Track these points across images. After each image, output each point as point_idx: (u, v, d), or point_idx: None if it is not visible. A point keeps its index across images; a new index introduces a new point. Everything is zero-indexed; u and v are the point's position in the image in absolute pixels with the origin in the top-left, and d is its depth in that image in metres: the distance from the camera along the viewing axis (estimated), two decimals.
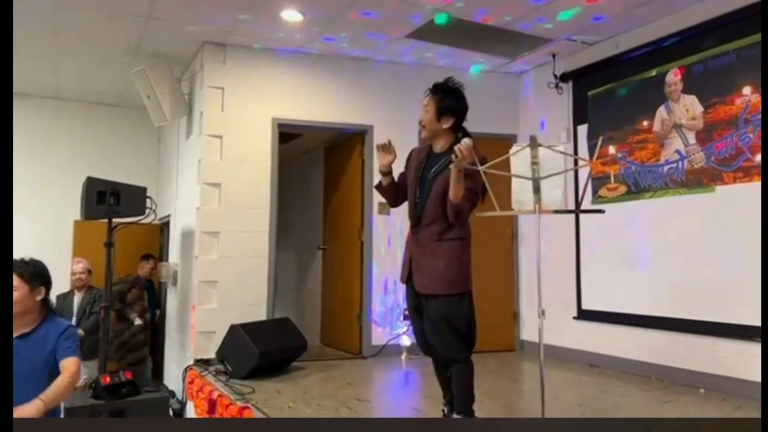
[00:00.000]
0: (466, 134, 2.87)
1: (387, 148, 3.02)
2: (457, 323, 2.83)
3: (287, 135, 6.28)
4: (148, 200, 5.08)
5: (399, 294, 5.61)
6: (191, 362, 4.94)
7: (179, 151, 6.22)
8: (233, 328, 4.49)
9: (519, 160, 2.25)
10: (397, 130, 5.42)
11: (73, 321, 5.22)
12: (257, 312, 5.10)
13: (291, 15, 4.62)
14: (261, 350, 4.33)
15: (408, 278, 2.96)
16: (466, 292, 2.87)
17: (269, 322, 4.91)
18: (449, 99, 2.89)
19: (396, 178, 3.16)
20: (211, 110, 5.19)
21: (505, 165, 2.45)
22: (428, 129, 2.93)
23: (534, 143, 2.18)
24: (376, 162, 5.48)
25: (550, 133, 5.57)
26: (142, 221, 5.12)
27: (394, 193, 3.12)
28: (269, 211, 5.25)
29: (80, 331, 4.76)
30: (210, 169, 5.14)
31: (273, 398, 3.85)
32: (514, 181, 2.34)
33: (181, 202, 5.97)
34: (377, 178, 5.51)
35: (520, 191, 2.32)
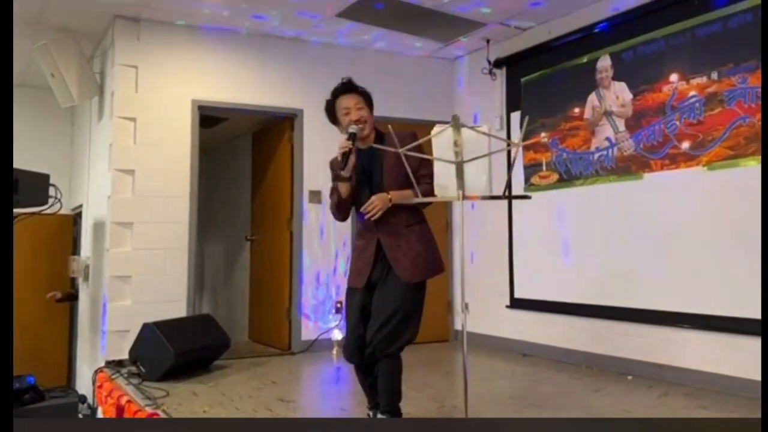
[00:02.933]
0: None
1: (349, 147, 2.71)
2: (417, 311, 2.78)
3: (212, 119, 5.92)
4: (51, 188, 4.62)
5: (331, 287, 5.39)
6: (102, 364, 4.56)
7: (91, 136, 5.74)
8: (146, 327, 4.14)
9: (441, 142, 2.06)
10: None
11: None
12: (177, 308, 4.76)
13: None
14: (177, 350, 4.01)
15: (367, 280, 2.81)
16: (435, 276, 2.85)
17: (188, 319, 4.58)
18: (369, 96, 2.91)
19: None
20: (123, 90, 4.77)
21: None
22: (370, 124, 2.84)
23: (456, 124, 2.00)
24: (308, 149, 5.35)
25: (484, 120, 5.47)
26: (45, 212, 4.66)
27: (350, 203, 2.87)
28: (189, 200, 4.89)
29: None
30: (122, 155, 4.73)
31: (188, 402, 3.56)
32: (436, 164, 2.15)
33: (93, 191, 5.51)
34: (308, 165, 5.39)
35: (443, 176, 2.15)
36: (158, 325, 4.13)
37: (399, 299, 2.70)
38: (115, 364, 4.51)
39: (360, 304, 2.81)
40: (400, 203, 2.68)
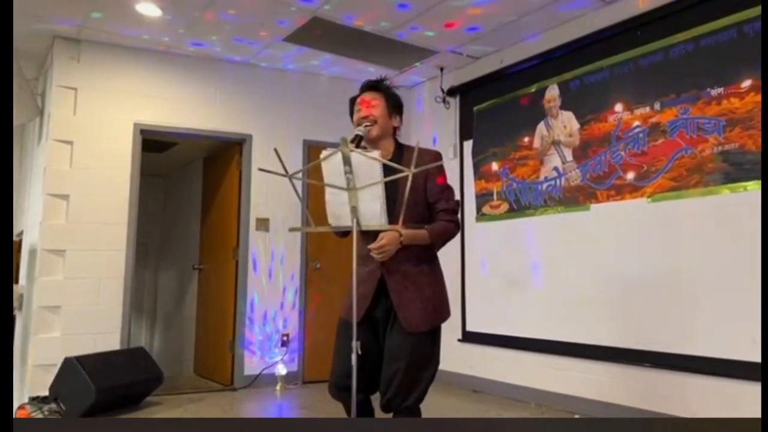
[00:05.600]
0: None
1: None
2: (435, 356, 2.38)
3: (160, 143, 5.76)
4: None
5: (278, 319, 5.18)
6: (26, 400, 4.28)
7: (33, 159, 5.53)
8: (68, 361, 3.90)
9: (331, 167, 1.90)
10: (278, 141, 5.08)
11: None
12: (110, 341, 4.51)
13: (148, 9, 4.16)
14: (99, 386, 3.77)
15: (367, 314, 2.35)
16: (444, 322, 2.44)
17: (117, 353, 4.33)
18: (395, 97, 2.45)
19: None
20: (61, 112, 4.60)
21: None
22: (381, 125, 2.33)
23: (344, 147, 1.86)
24: (255, 174, 5.18)
25: (440, 149, 5.35)
26: None
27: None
28: (127, 227, 4.68)
29: None
30: (56, 179, 4.53)
31: None
32: (327, 191, 1.99)
33: (30, 217, 5.28)
34: (255, 192, 5.23)
35: (335, 203, 1.97)
36: (80, 359, 3.89)
37: (412, 346, 2.29)
38: (39, 401, 4.23)
39: (354, 339, 2.31)
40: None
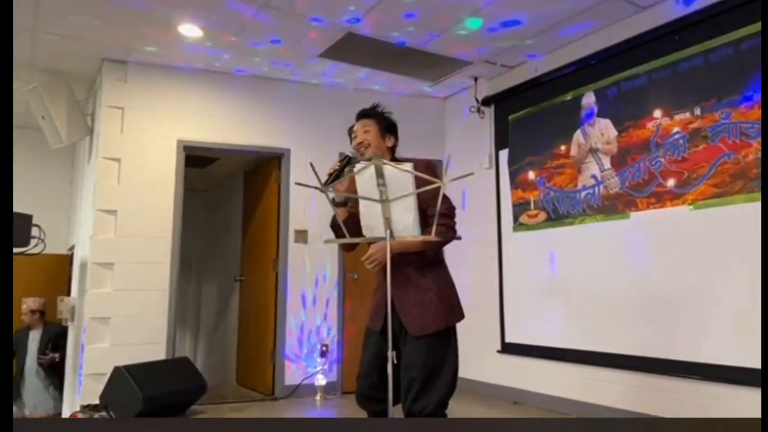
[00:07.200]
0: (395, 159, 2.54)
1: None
2: (447, 361, 2.41)
3: (204, 159, 5.95)
4: (35, 229, 4.63)
5: (317, 331, 5.25)
6: (78, 408, 4.45)
7: (84, 176, 5.78)
8: (117, 370, 4.05)
9: (365, 180, 1.96)
10: (316, 154, 5.17)
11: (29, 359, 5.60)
12: (156, 351, 4.66)
13: (190, 30, 4.32)
14: (146, 395, 3.90)
15: (383, 325, 2.44)
16: (455, 323, 2.49)
17: (163, 363, 4.47)
18: (386, 120, 2.67)
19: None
20: (109, 131, 4.81)
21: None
22: (374, 146, 2.55)
23: (377, 160, 1.90)
24: (293, 187, 5.29)
25: (474, 159, 5.39)
26: (29, 252, 4.66)
27: (356, 229, 2.45)
28: (171, 241, 4.85)
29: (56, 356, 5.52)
30: (105, 195, 4.73)
31: None
32: (361, 204, 2.04)
33: (82, 232, 5.52)
34: (293, 204, 5.34)
35: (368, 215, 2.03)
36: (129, 368, 4.03)
37: (422, 353, 2.35)
38: (90, 408, 4.40)
39: (376, 350, 2.48)
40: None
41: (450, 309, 2.45)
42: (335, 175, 2.41)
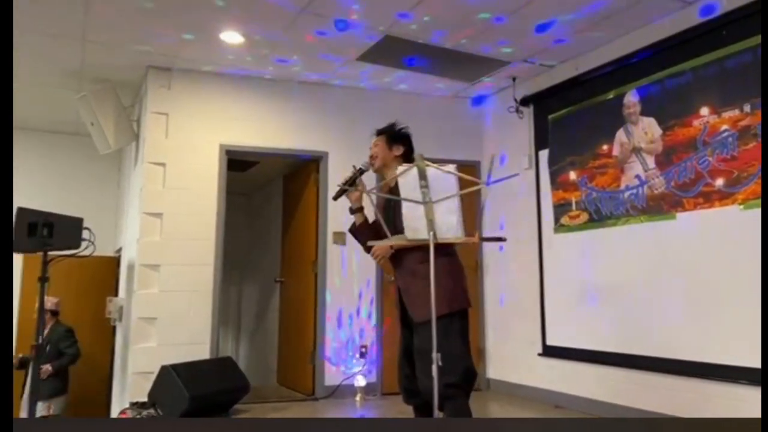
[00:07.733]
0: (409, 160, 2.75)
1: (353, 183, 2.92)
2: (454, 345, 2.59)
3: (243, 163, 6.06)
4: (85, 231, 4.79)
5: (355, 330, 5.29)
6: (127, 405, 4.60)
7: (130, 181, 5.97)
8: (164, 370, 4.16)
9: (407, 182, 1.97)
10: (354, 157, 5.18)
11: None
12: (200, 351, 4.77)
13: (231, 37, 4.42)
14: (192, 394, 4.00)
15: (402, 317, 2.82)
16: (459, 310, 2.66)
17: (207, 362, 4.57)
18: (393, 132, 2.99)
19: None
20: (154, 137, 4.95)
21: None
22: (381, 157, 2.92)
23: (420, 162, 1.91)
24: (331, 191, 5.35)
25: (513, 159, 5.34)
26: (80, 254, 4.83)
27: (373, 234, 2.82)
28: (215, 243, 4.96)
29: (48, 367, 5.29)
30: (151, 199, 4.87)
31: None
32: (404, 205, 2.06)
33: (129, 234, 5.70)
34: (332, 207, 5.39)
35: (411, 217, 2.04)
36: (175, 367, 4.14)
37: (425, 338, 2.50)
38: (138, 406, 4.53)
39: (404, 343, 2.78)
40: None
41: (451, 295, 2.61)
42: (349, 183, 2.76)
